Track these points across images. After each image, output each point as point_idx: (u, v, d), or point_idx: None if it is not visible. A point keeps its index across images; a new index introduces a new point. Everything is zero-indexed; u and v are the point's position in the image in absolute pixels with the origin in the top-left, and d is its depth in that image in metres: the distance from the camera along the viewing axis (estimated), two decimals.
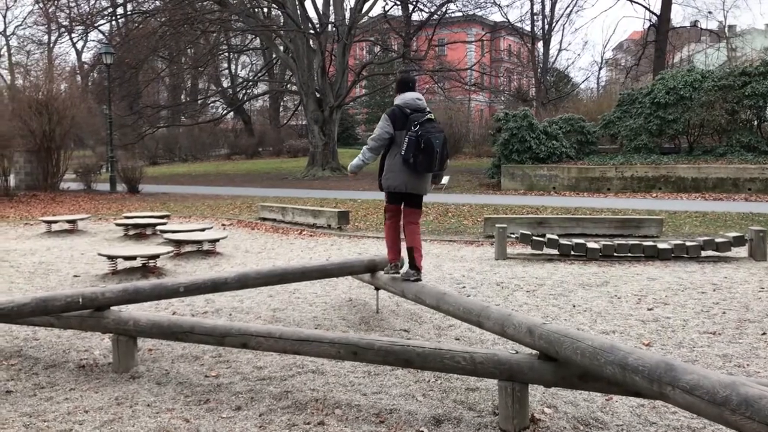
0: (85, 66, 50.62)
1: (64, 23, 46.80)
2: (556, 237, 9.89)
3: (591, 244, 9.50)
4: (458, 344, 4.81)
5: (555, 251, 9.60)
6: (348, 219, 13.30)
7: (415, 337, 5.57)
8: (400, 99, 5.56)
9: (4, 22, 74.92)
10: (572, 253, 9.47)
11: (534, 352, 3.71)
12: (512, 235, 10.34)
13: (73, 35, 55.14)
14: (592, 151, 22.82)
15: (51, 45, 60.49)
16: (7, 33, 69.86)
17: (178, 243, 10.26)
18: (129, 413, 3.97)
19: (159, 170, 36.80)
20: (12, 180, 21.78)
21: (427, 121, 5.37)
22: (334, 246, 11.21)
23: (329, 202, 17.56)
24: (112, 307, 4.80)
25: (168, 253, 9.30)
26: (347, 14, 30.44)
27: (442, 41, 39.86)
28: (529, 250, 9.96)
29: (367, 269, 6.26)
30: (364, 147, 5.70)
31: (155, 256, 8.86)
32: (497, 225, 10.11)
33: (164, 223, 12.75)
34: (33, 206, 18.54)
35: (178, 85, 50.35)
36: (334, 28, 30.68)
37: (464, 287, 7.72)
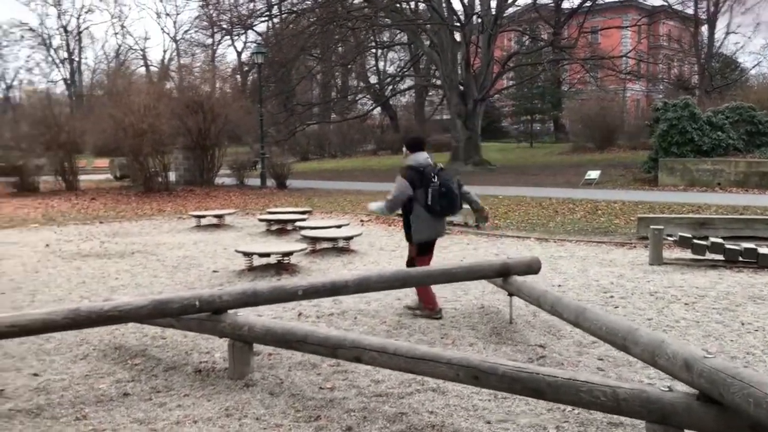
0: (244, 67, 53.45)
1: (225, 26, 49.65)
2: (721, 240, 8.76)
3: (763, 249, 8.31)
4: (598, 375, 4.18)
5: (720, 257, 8.50)
6: (487, 217, 12.70)
7: (552, 355, 4.99)
8: (413, 160, 6.10)
9: (175, 27, 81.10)
10: (740, 259, 8.33)
11: (692, 390, 3.05)
12: (669, 238, 9.30)
13: (233, 37, 58.67)
14: (764, 143, 20.49)
15: (214, 47, 64.63)
16: (177, 37, 75.61)
17: (314, 240, 10.25)
18: (236, 427, 3.77)
19: (309, 166, 37.97)
20: (172, 175, 23.27)
21: (441, 171, 6.11)
22: (470, 245, 10.70)
23: None
24: (230, 311, 4.67)
25: (302, 250, 9.28)
26: (493, 4, 29.57)
27: (595, 28, 37.80)
28: (689, 254, 8.91)
29: (499, 273, 5.75)
30: (386, 201, 6.15)
31: (289, 254, 8.84)
32: (652, 225, 9.14)
33: (304, 219, 12.89)
34: (188, 201, 19.62)
35: (328, 82, 51.82)
36: (479, 20, 29.96)
37: (612, 296, 6.96)
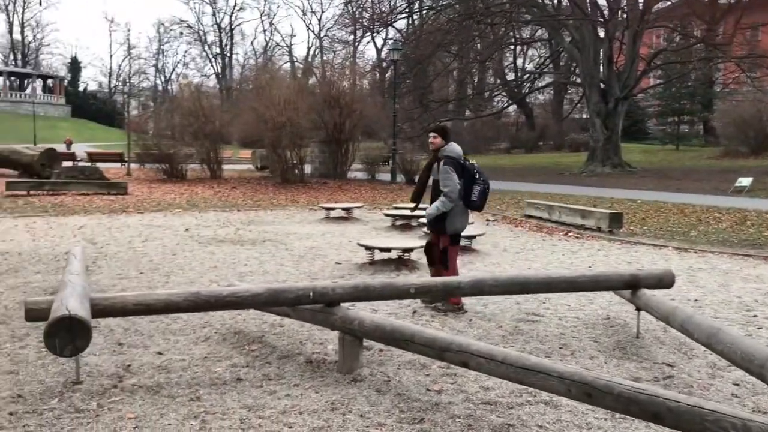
0: (383, 63, 54.35)
1: (366, 23, 50.65)
2: None
3: None
4: (729, 404, 3.78)
5: None
6: (621, 222, 12.06)
7: (680, 375, 4.59)
8: (452, 151, 6.16)
9: (319, 24, 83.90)
10: None
11: None
12: None
13: (373, 34, 59.83)
14: None
15: (355, 44, 66.26)
16: (321, 34, 78.10)
17: None
18: (339, 422, 3.76)
19: None
20: (307, 168, 24.06)
21: (478, 167, 6.25)
22: (601, 251, 10.18)
23: (604, 201, 16.24)
24: (343, 304, 4.68)
25: (423, 247, 9.21)
26: None
27: (755, 24, 34.81)
28: None
29: (627, 285, 5.38)
30: (443, 199, 6.11)
31: (410, 250, 8.82)
32: None
33: None
34: (321, 193, 20.20)
35: (464, 79, 51.53)
36: (624, 15, 28.53)
37: (755, 315, 6.32)
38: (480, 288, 4.99)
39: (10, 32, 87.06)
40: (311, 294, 4.54)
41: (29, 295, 6.69)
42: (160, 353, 4.93)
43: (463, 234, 10.04)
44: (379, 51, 63.45)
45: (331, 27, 73.31)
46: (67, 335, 3.38)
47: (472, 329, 5.73)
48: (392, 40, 44.71)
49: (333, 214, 14.30)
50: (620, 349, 5.23)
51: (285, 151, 21.97)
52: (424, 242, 9.40)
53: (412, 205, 6.96)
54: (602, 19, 28.24)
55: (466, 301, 6.52)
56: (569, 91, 52.84)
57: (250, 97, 25.70)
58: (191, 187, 21.29)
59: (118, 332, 5.40)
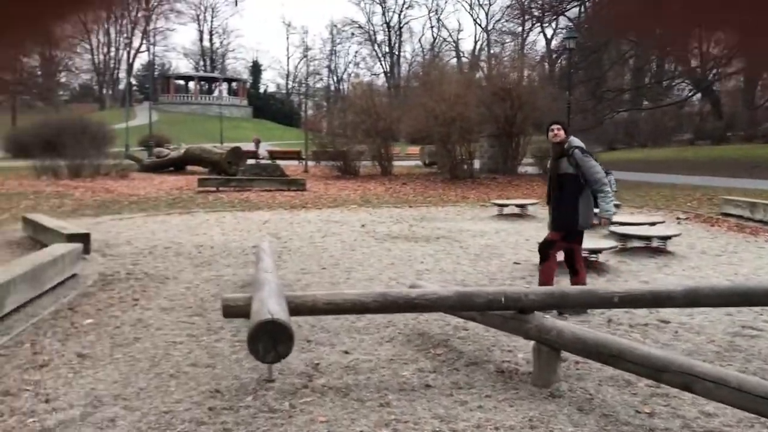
0: (553, 54, 52.60)
1: (536, 13, 49.21)
2: None
3: None
4: None
5: None
6: None
7: None
8: (580, 142, 6.00)
9: (487, 17, 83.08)
10: None
11: None
12: None
13: (543, 24, 58.12)
14: None
15: (524, 35, 64.80)
16: (488, 27, 77.32)
17: (624, 237, 9.43)
18: None
19: (615, 155, 35.95)
20: (476, 163, 23.71)
21: None
22: None
23: None
24: (536, 312, 4.34)
25: (612, 248, 8.57)
26: None
27: None
28: None
29: None
30: (604, 188, 5.90)
31: (598, 251, 8.22)
32: None
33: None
34: (491, 189, 19.77)
35: (642, 67, 48.42)
36: None
37: None
38: (695, 298, 4.41)
39: (201, 40, 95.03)
40: (503, 299, 4.25)
41: (222, 288, 7.01)
42: (346, 352, 4.88)
43: (656, 234, 9.27)
44: (548, 42, 61.51)
45: (499, 19, 72.29)
46: (269, 340, 3.34)
47: (679, 343, 5.12)
48: (564, 29, 43.01)
49: (506, 210, 13.85)
50: None
51: (454, 146, 21.78)
52: (612, 243, 8.77)
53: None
54: None
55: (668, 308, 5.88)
56: (765, 76, 47.80)
57: (419, 93, 25.79)
58: (364, 183, 21.77)
59: (305, 328, 5.44)
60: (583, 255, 8.24)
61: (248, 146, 35.13)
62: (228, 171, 23.27)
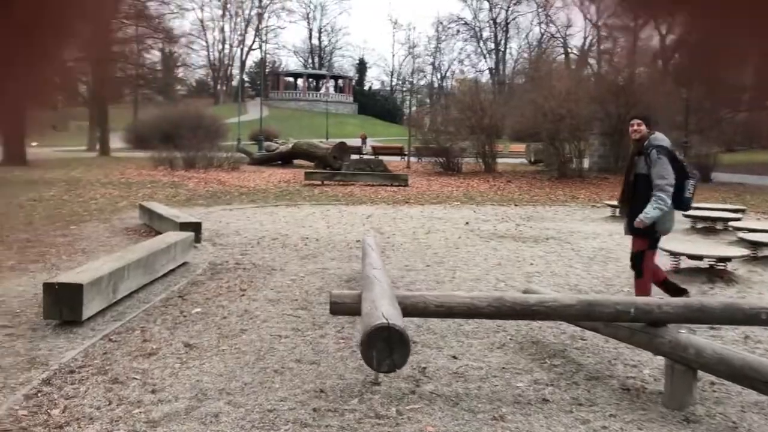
0: (667, 50, 49.88)
1: None
2: None
3: None
4: None
5: None
6: None
7: None
8: (664, 140, 5.45)
9: (597, 12, 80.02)
10: None
11: None
12: None
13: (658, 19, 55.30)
14: None
15: (638, 30, 62.05)
16: (599, 23, 74.68)
17: (755, 245, 8.63)
18: None
19: (734, 158, 33.63)
20: (585, 162, 22.76)
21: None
22: None
23: None
24: (670, 325, 3.92)
25: (742, 256, 7.85)
26: None
27: None
28: None
29: None
30: (661, 194, 5.29)
31: (727, 259, 7.54)
32: None
33: (738, 219, 11.14)
34: (602, 188, 18.89)
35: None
36: None
37: None
38: None
39: (310, 38, 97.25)
40: (632, 310, 3.85)
41: (326, 282, 6.92)
42: (454, 357, 4.62)
43: None
44: (663, 37, 58.48)
45: (611, 14, 69.38)
46: (385, 348, 3.12)
47: None
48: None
49: (619, 212, 13.10)
50: None
51: (563, 143, 20.99)
52: (742, 251, 8.03)
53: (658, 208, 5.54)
54: None
55: None
56: None
57: (527, 89, 25.08)
58: (467, 180, 21.39)
59: (411, 329, 5.21)
60: (710, 263, 7.61)
61: (354, 142, 35.50)
62: (333, 165, 23.49)
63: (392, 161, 29.14)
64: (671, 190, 5.25)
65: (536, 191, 18.38)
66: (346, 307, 3.94)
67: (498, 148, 28.90)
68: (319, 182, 19.32)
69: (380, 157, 26.95)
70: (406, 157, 29.13)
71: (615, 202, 13.37)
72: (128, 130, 42.42)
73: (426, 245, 9.49)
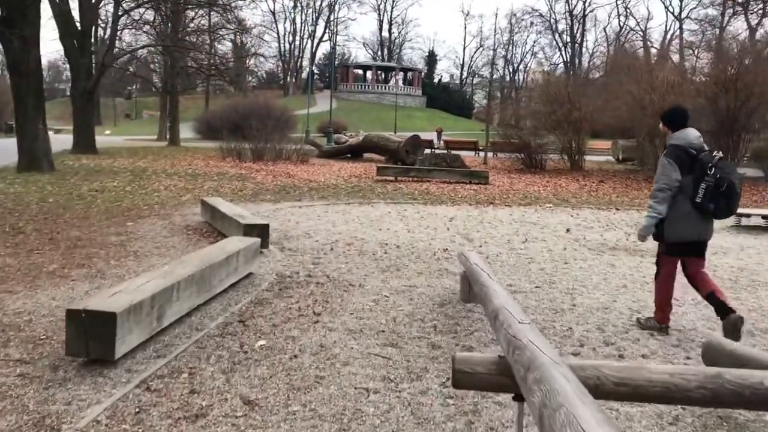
0: (758, 44, 46.52)
1: (740, 0, 43.64)
2: None
3: None
4: None
5: None
6: None
7: None
8: (681, 139, 4.93)
9: (680, 4, 75.63)
10: None
11: None
12: None
13: (748, 12, 51.76)
14: None
15: (723, 24, 58.31)
16: (682, 16, 70.84)
17: None
18: None
19: None
20: None
21: (720, 160, 4.81)
22: None
23: None
24: None
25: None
26: None
27: None
28: None
29: None
30: (649, 200, 5.01)
31: None
32: None
33: None
34: None
35: None
36: None
37: None
38: None
39: (380, 30, 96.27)
40: None
41: (416, 306, 5.62)
42: None
43: None
44: (753, 31, 54.63)
45: (695, 6, 65.84)
46: None
47: None
48: None
49: (745, 221, 11.32)
50: None
51: (663, 140, 19.04)
52: None
53: None
54: None
55: None
56: None
57: (605, 83, 23.08)
58: (552, 178, 19.72)
59: None
60: None
61: (425, 136, 34.16)
62: (405, 160, 22.23)
63: (466, 157, 27.68)
64: (661, 195, 4.93)
65: (634, 193, 16.59)
66: (479, 381, 2.62)
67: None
68: (392, 178, 18.07)
69: (455, 153, 25.52)
70: (480, 153, 27.57)
71: (745, 211, 11.49)
72: (198, 120, 42.24)
73: (527, 258, 8.06)
